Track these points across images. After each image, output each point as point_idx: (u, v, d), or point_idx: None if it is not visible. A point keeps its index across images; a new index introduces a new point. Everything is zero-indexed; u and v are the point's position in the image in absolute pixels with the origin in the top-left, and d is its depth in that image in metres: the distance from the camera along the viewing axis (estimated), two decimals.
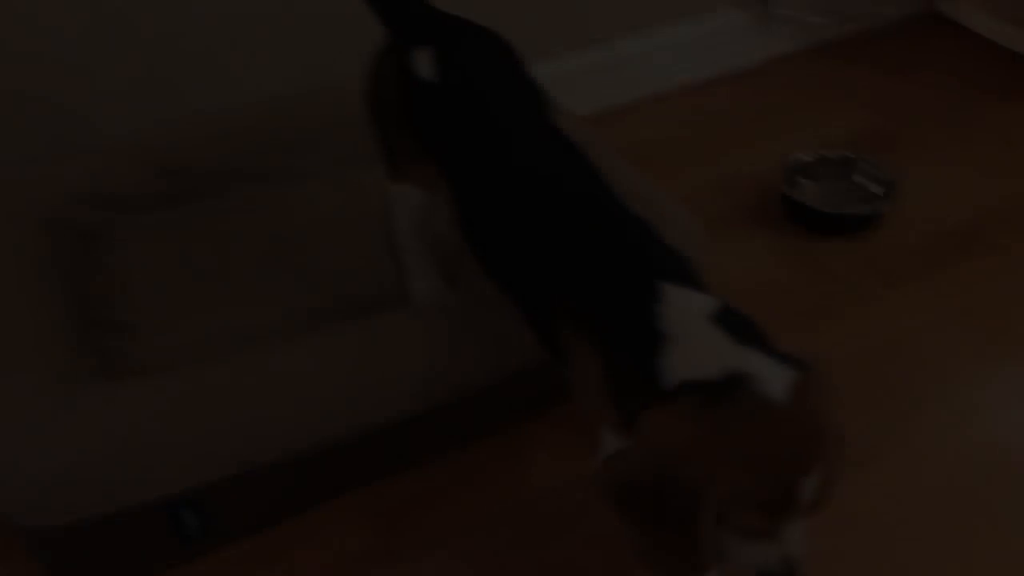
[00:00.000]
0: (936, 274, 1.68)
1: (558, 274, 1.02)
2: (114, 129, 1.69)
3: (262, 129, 1.70)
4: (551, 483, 1.36)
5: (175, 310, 1.46)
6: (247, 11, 1.69)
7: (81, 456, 1.14)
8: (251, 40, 1.72)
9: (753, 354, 0.88)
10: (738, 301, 1.70)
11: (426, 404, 1.31)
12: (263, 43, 1.74)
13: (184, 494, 1.22)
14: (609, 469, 0.91)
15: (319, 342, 1.28)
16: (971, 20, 2.36)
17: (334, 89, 1.73)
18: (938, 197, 1.86)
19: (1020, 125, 2.05)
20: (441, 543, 1.30)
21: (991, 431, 1.40)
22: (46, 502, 1.14)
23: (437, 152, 1.20)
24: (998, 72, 2.22)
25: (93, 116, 1.67)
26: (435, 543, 1.30)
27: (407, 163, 1.29)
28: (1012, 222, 1.78)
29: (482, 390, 1.35)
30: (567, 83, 1.89)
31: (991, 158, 1.95)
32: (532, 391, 1.44)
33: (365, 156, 1.56)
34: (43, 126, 1.64)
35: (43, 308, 1.35)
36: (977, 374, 1.49)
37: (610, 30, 2.07)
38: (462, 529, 1.31)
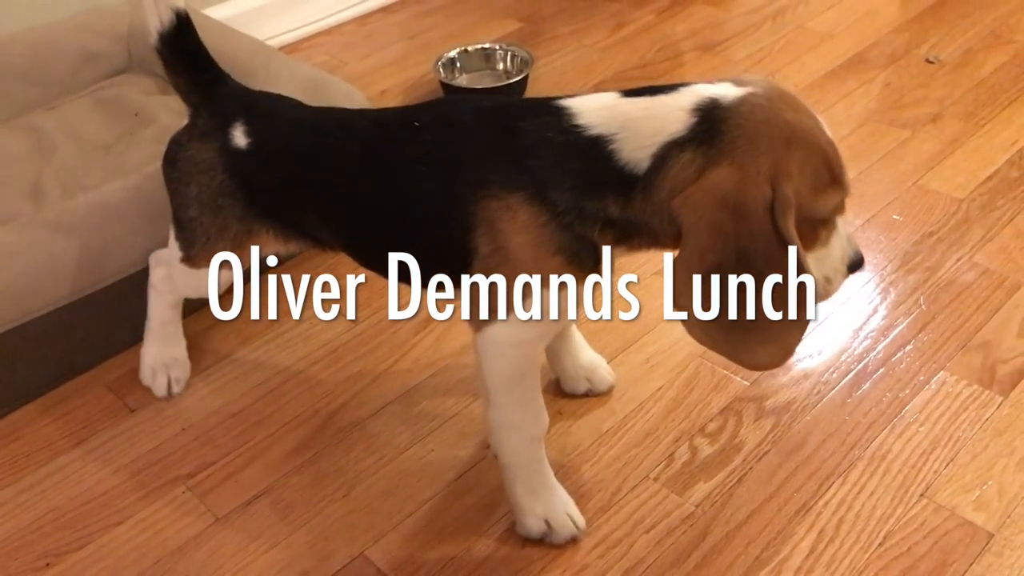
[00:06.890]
0: None
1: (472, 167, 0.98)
2: None
3: None
4: None
5: None
6: None
7: None
8: None
9: (691, 91, 0.89)
10: None
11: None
12: None
13: None
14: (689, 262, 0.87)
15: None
16: None
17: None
18: (566, 73, 2.26)
19: (624, 15, 2.50)
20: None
21: None
22: None
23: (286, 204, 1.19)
24: None
25: None
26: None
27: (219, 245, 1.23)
28: (623, 84, 2.21)
29: None
30: (249, 22, 2.15)
31: (604, 42, 2.39)
32: None
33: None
34: None
35: None
36: None
37: None
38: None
